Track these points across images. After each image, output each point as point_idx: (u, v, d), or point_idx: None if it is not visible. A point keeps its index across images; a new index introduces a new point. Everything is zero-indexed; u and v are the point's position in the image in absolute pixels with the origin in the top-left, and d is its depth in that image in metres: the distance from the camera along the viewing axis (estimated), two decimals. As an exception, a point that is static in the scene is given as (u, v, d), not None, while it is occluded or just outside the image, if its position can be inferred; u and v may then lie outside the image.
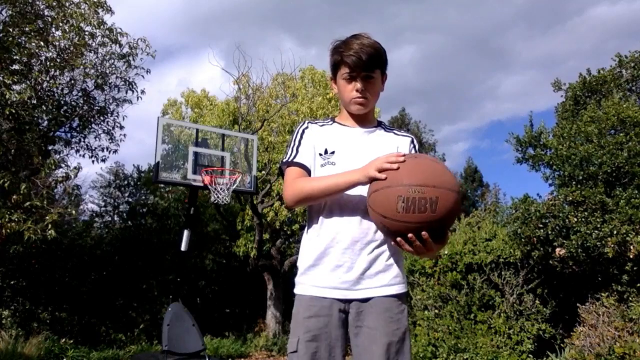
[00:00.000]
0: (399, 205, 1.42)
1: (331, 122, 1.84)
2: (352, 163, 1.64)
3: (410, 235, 1.44)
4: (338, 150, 1.72)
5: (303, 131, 1.80)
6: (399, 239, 1.47)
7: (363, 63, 1.65)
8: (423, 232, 1.43)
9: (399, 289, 1.66)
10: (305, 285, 1.68)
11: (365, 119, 1.80)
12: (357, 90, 1.70)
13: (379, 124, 1.85)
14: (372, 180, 1.52)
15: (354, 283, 1.62)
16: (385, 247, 1.65)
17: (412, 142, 1.82)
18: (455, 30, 48.31)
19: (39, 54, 7.07)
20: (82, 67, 7.65)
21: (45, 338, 6.97)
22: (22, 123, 6.43)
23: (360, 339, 1.61)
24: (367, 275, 1.62)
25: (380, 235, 1.64)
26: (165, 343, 5.26)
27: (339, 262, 1.62)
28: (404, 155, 1.51)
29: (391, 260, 1.66)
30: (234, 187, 6.27)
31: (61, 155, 8.13)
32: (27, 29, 6.61)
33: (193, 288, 10.44)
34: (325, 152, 1.73)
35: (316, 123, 1.84)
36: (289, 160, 1.74)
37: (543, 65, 44.74)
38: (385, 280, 1.64)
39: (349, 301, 1.63)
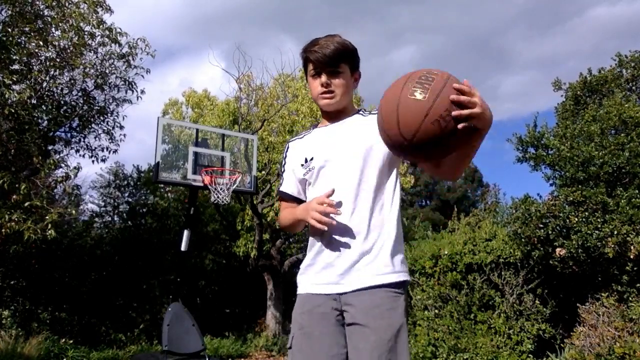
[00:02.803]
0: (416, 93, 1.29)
1: (312, 129, 1.87)
2: (326, 162, 1.68)
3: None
4: (315, 154, 1.73)
5: (286, 155, 1.87)
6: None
7: (326, 57, 1.66)
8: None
9: (392, 277, 1.58)
10: (302, 283, 1.71)
11: (340, 116, 1.78)
12: (322, 85, 1.70)
13: (358, 112, 1.81)
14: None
15: (342, 276, 1.60)
16: (377, 239, 1.61)
17: None
18: (455, 30, 48.32)
19: (39, 54, 7.06)
20: (81, 67, 7.64)
21: (45, 338, 6.96)
22: (21, 123, 6.42)
23: (353, 336, 1.58)
24: (356, 267, 1.59)
25: (373, 228, 1.61)
26: (165, 343, 5.26)
27: (331, 259, 1.63)
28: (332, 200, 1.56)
29: (383, 252, 1.60)
30: (234, 187, 6.26)
31: (61, 155, 8.12)
32: (26, 29, 6.61)
33: (193, 288, 10.44)
34: (305, 160, 1.76)
35: (298, 137, 1.90)
36: (278, 189, 1.86)
37: (543, 66, 44.78)
38: (375, 270, 1.58)
39: (339, 295, 1.61)
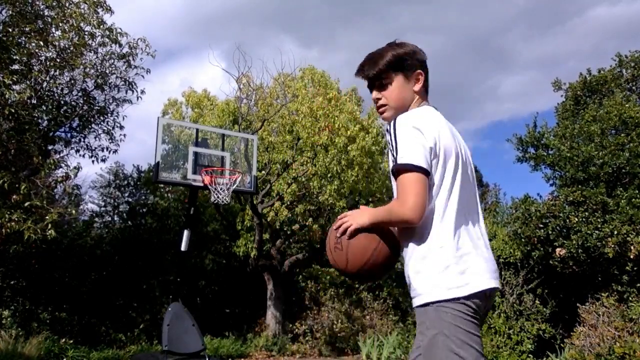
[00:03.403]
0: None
1: None
2: None
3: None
4: None
5: None
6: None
7: (368, 78, 1.72)
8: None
9: (418, 301, 1.54)
10: None
11: None
12: (374, 101, 1.76)
13: None
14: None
15: None
16: (409, 262, 1.60)
17: (387, 131, 1.69)
18: (455, 30, 48.37)
19: (39, 54, 7.06)
20: (82, 67, 7.64)
21: (45, 338, 6.96)
22: (22, 123, 6.42)
23: None
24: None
25: (408, 252, 1.61)
26: (165, 343, 5.26)
27: None
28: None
29: (411, 274, 1.59)
30: (234, 187, 6.26)
31: (61, 155, 8.12)
32: (27, 29, 6.61)
33: (193, 288, 10.44)
34: None
35: None
36: None
37: (543, 66, 44.78)
38: (413, 292, 1.59)
39: None
